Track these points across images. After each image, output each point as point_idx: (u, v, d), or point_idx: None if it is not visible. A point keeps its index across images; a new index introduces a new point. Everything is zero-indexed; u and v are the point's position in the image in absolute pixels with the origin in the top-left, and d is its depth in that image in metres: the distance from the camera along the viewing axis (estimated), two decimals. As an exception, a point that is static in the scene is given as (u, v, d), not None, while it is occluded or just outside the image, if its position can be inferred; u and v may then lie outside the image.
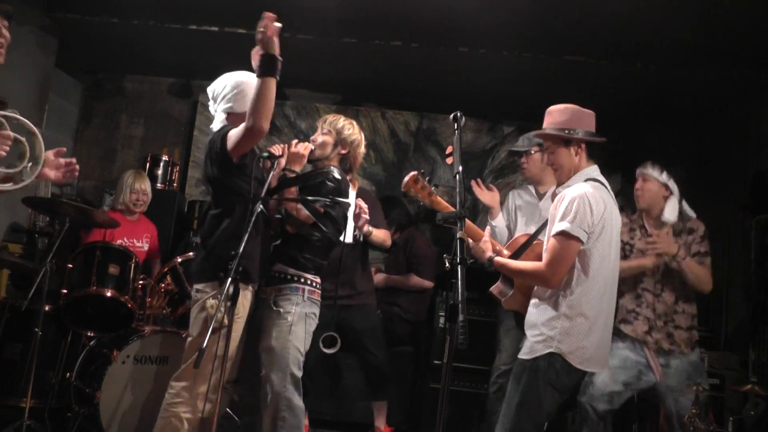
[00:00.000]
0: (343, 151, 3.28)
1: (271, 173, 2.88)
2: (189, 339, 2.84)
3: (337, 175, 3.07)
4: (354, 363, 4.38)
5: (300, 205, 2.94)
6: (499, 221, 3.94)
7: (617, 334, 3.25)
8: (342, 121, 3.29)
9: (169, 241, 5.17)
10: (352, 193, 4.01)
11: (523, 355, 2.66)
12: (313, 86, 5.92)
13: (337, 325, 3.22)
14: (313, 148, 3.18)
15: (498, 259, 2.75)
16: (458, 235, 2.14)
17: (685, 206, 3.37)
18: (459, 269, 2.06)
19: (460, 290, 2.00)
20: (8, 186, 2.59)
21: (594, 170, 2.75)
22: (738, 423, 3.80)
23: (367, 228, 3.82)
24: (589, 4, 4.06)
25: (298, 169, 3.04)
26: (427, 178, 2.79)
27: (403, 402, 4.55)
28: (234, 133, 2.76)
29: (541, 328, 2.61)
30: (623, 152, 5.86)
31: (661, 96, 5.32)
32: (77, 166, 2.77)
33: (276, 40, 2.67)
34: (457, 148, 2.42)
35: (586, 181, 2.70)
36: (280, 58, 2.67)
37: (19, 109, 2.84)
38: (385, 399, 4.10)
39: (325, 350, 3.09)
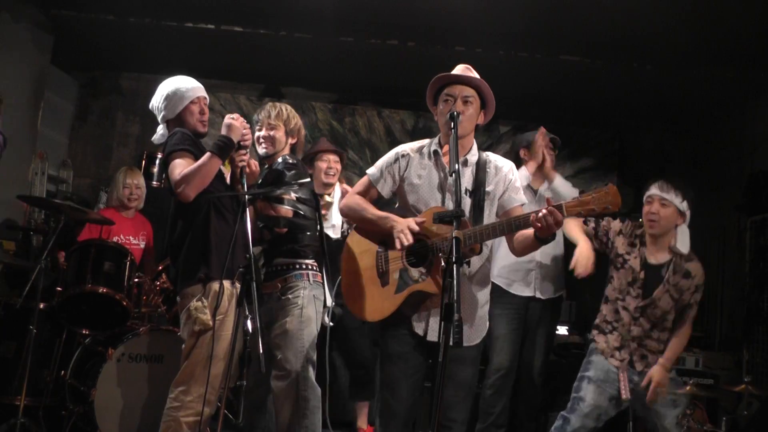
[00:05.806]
0: (293, 141, 3.25)
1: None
2: (183, 345, 2.87)
3: (289, 161, 3.12)
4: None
5: (275, 204, 2.99)
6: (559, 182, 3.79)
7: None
8: (285, 111, 3.24)
9: (164, 239, 5.15)
10: (338, 192, 4.02)
11: None
12: (310, 85, 5.91)
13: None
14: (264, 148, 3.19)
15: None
16: (454, 234, 2.14)
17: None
18: (454, 268, 2.05)
19: (455, 290, 2.00)
20: None
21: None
22: (732, 422, 3.81)
23: None
24: (585, 5, 4.06)
25: (255, 179, 3.07)
26: None
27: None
28: (173, 173, 2.80)
29: None
30: (619, 152, 5.87)
31: (656, 96, 5.33)
32: None
33: (240, 131, 2.88)
34: (453, 147, 2.42)
35: None
36: (236, 144, 2.86)
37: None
38: (369, 399, 4.10)
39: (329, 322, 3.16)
